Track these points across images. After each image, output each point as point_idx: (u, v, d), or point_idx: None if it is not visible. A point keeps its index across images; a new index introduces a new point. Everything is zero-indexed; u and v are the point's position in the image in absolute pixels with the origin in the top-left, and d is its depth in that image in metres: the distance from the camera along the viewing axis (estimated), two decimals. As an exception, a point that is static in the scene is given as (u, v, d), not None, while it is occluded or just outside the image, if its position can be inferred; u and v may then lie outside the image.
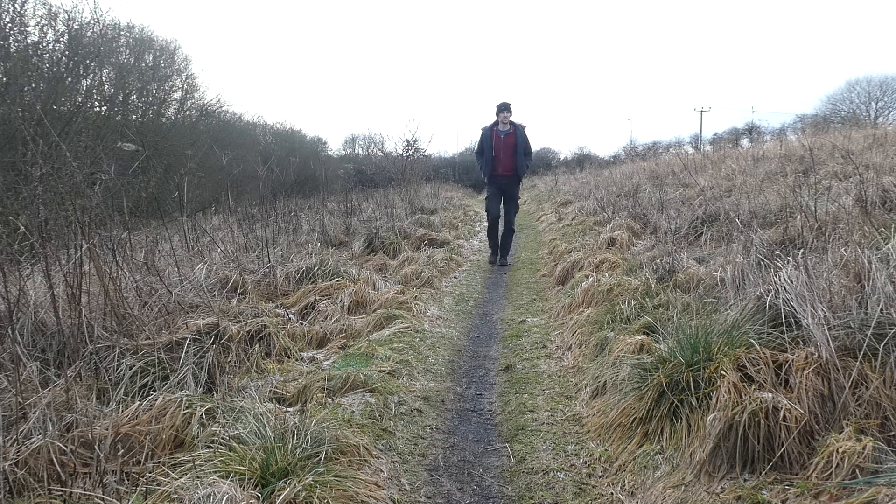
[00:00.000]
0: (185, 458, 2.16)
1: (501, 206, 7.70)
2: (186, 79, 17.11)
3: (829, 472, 1.87)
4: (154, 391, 2.65)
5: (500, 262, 7.67)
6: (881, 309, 2.25)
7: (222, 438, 2.28)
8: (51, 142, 3.93)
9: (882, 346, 2.13)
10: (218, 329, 3.34)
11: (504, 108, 7.35)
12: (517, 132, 7.33)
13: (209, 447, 2.23)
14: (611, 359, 3.23)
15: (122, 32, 14.60)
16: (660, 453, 2.36)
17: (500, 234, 7.84)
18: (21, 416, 2.16)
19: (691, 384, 2.40)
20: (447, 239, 8.55)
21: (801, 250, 2.97)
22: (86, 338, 2.84)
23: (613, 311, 3.95)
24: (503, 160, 7.36)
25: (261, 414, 2.43)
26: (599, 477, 2.43)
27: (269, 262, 5.38)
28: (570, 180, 19.08)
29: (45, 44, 10.57)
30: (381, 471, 2.42)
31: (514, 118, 7.48)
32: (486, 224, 7.92)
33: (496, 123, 7.38)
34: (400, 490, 2.35)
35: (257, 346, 3.58)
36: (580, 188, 14.68)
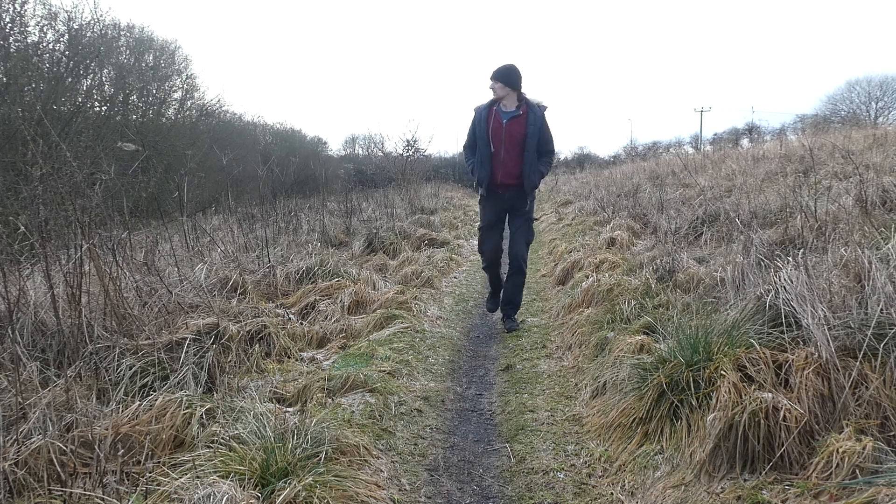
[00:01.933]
0: (185, 458, 2.16)
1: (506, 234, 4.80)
2: (186, 79, 17.14)
3: (829, 472, 1.86)
4: (154, 391, 2.65)
5: (507, 326, 4.77)
6: (881, 309, 2.25)
7: (222, 438, 2.28)
8: (51, 142, 3.94)
9: (882, 346, 2.13)
10: (218, 329, 3.34)
11: (501, 76, 4.39)
12: (530, 116, 4.38)
13: (209, 447, 2.23)
14: (611, 359, 3.23)
15: (122, 32, 14.62)
16: (660, 453, 2.36)
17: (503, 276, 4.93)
18: (21, 416, 2.16)
19: (691, 384, 2.40)
20: (447, 239, 8.55)
21: (801, 250, 2.97)
22: (86, 338, 2.84)
23: (613, 311, 3.95)
24: (505, 160, 4.43)
25: (261, 414, 2.43)
26: (599, 477, 2.43)
27: (269, 262, 5.38)
28: (570, 180, 19.10)
29: (45, 44, 10.59)
30: (382, 471, 2.42)
31: (529, 95, 4.53)
32: (483, 263, 4.94)
33: (496, 102, 4.48)
34: (400, 490, 2.35)
35: (257, 346, 3.58)
36: (580, 188, 14.69)
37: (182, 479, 1.94)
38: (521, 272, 4.72)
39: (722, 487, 2.04)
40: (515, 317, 4.84)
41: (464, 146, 4.73)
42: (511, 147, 4.41)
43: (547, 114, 4.50)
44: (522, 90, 4.44)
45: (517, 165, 4.43)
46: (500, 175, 4.47)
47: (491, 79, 4.41)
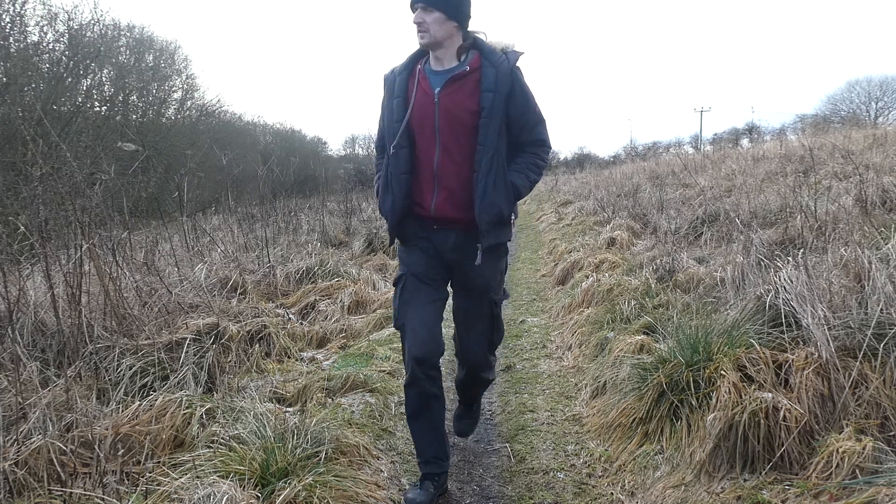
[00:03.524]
0: (185, 458, 2.16)
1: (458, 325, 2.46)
2: (186, 79, 17.18)
3: (829, 472, 1.87)
4: (154, 391, 2.65)
5: (456, 428, 2.73)
6: (881, 309, 2.25)
7: (222, 438, 2.28)
8: (51, 142, 3.94)
9: (882, 346, 2.13)
10: (218, 329, 3.34)
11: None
12: (486, 74, 2.12)
13: (209, 447, 2.24)
14: (611, 359, 3.23)
15: (122, 33, 14.64)
16: (660, 453, 2.37)
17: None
18: (21, 416, 2.16)
19: (691, 384, 2.40)
20: (447, 239, 8.53)
21: (801, 250, 2.97)
22: (86, 338, 2.84)
23: (613, 311, 3.95)
24: (441, 170, 2.19)
25: (261, 414, 2.43)
26: (599, 477, 2.43)
27: (269, 262, 5.38)
28: (570, 180, 19.09)
29: (45, 44, 10.60)
30: (381, 471, 2.42)
31: (491, 37, 2.23)
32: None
33: (422, 56, 2.25)
34: (400, 490, 2.35)
35: (257, 346, 3.58)
36: (580, 188, 14.68)
37: (182, 479, 1.94)
38: (482, 382, 2.61)
39: (722, 487, 2.05)
40: (473, 413, 2.72)
41: (375, 146, 2.48)
42: (452, 139, 2.16)
43: (523, 66, 2.20)
44: (471, 30, 2.22)
45: (465, 178, 2.18)
46: (432, 200, 2.21)
47: (411, 5, 2.14)
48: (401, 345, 2.34)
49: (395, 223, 2.28)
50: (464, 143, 2.16)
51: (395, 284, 2.35)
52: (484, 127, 2.12)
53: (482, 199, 2.15)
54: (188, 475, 1.97)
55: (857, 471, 1.81)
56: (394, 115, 2.22)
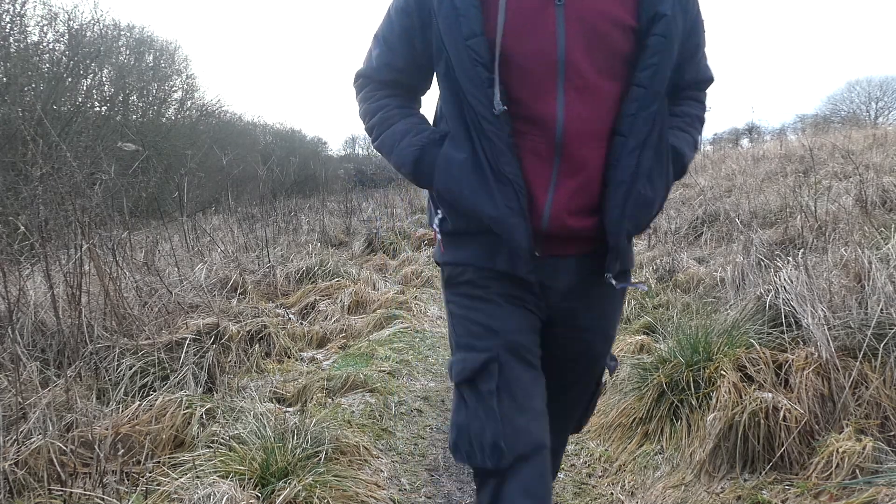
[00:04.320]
0: (185, 458, 2.16)
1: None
2: (186, 79, 17.13)
3: (829, 472, 1.87)
4: (154, 391, 2.65)
5: None
6: (881, 309, 2.25)
7: (222, 438, 2.28)
8: (51, 142, 3.95)
9: (882, 346, 2.13)
10: (218, 329, 3.34)
11: None
12: None
13: (209, 447, 2.24)
14: (611, 359, 3.22)
15: (122, 33, 14.62)
16: (660, 453, 2.36)
17: None
18: (21, 416, 2.16)
19: (691, 384, 2.40)
20: (447, 239, 8.53)
21: (801, 250, 2.97)
22: (86, 338, 2.84)
23: (613, 311, 3.95)
24: (570, 135, 1.13)
25: (261, 414, 2.43)
26: (599, 477, 2.43)
27: (269, 262, 5.38)
28: (570, 180, 19.05)
29: (45, 44, 10.59)
30: (382, 471, 2.42)
31: None
32: None
33: None
34: (400, 490, 2.35)
35: (257, 346, 3.58)
36: (580, 188, 14.66)
37: (182, 479, 1.94)
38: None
39: (722, 487, 2.05)
40: None
41: (359, 74, 1.36)
42: (592, 76, 1.15)
43: None
44: None
45: (610, 145, 1.18)
46: (548, 196, 1.17)
47: None
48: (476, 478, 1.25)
49: (528, 250, 1.17)
50: (610, 84, 1.17)
51: (467, 381, 1.20)
52: (654, 54, 1.16)
53: (629, 188, 1.18)
54: (188, 475, 1.97)
55: (857, 471, 1.81)
56: (463, 26, 1.13)
